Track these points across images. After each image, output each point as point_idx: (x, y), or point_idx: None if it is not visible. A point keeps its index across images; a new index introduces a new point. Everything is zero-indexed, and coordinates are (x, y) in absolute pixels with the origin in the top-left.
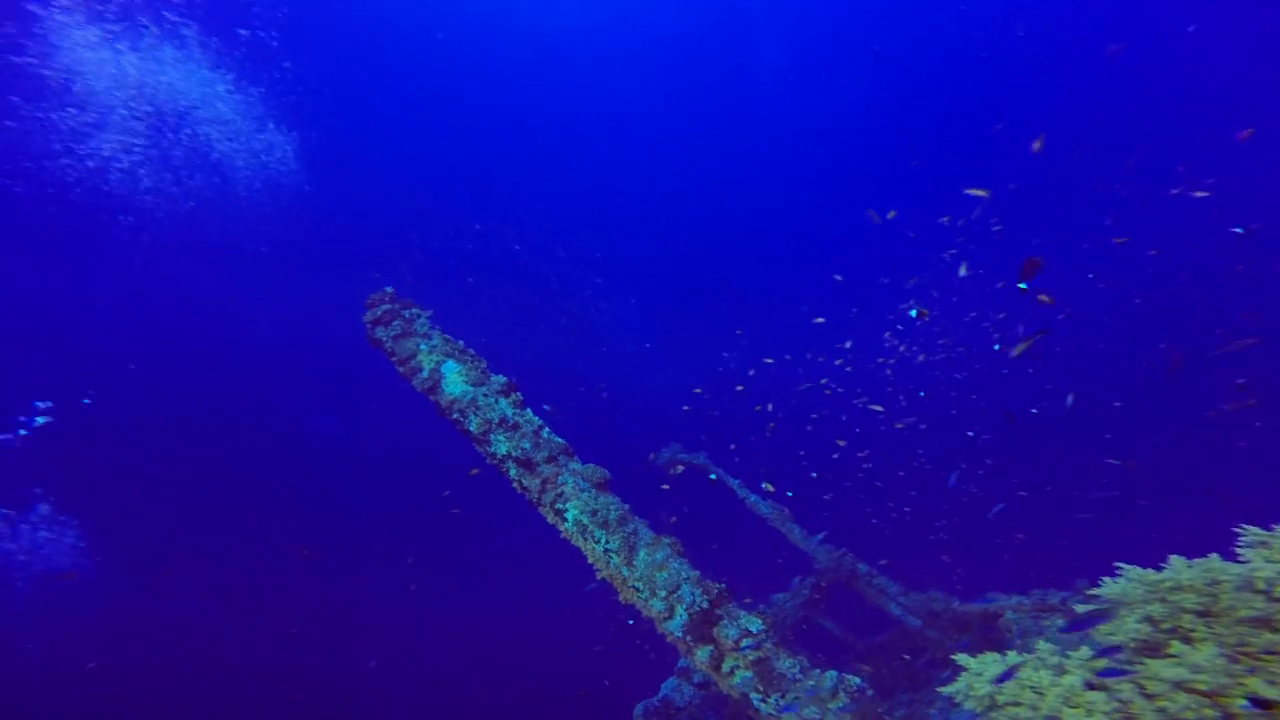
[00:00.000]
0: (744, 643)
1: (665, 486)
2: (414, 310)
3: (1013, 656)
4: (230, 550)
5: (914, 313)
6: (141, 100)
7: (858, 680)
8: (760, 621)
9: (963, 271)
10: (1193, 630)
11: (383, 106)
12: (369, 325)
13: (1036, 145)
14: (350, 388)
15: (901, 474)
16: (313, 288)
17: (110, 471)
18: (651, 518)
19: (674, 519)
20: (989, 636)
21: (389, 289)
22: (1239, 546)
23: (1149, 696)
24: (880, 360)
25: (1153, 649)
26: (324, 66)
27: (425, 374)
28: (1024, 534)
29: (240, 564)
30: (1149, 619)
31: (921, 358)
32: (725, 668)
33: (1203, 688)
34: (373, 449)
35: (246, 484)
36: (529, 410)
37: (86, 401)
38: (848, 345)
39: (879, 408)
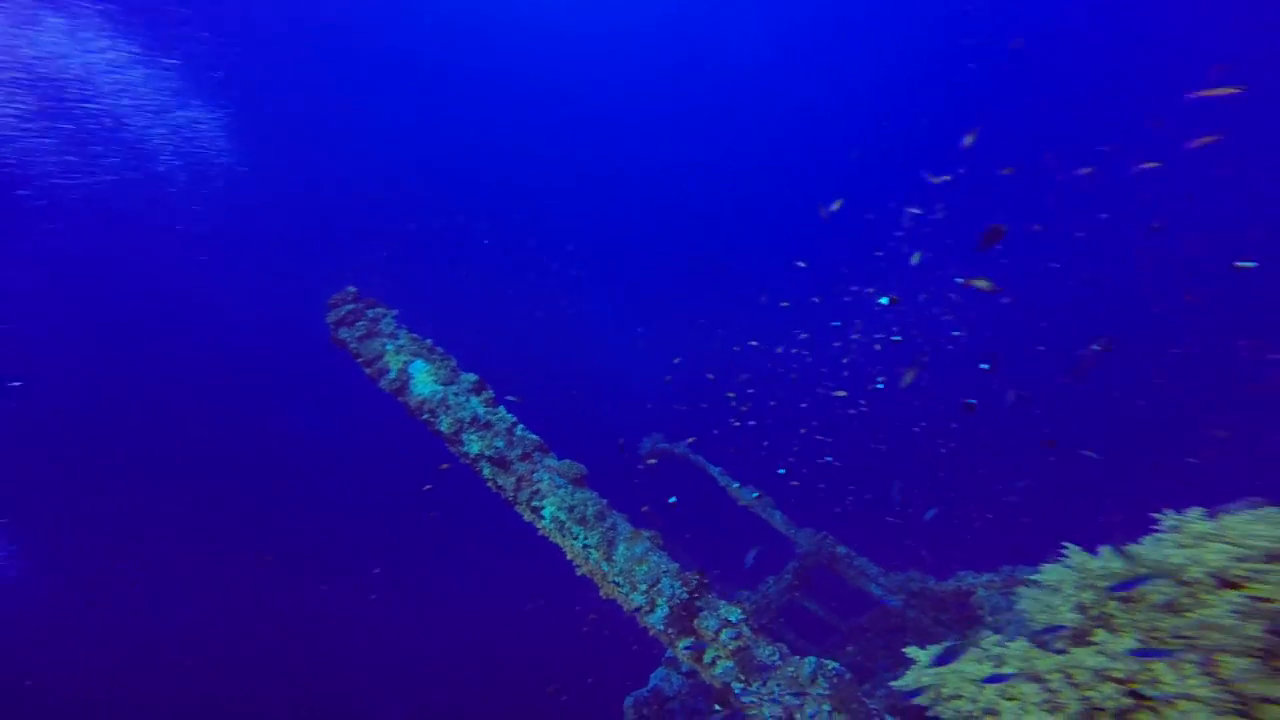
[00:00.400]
0: (724, 633)
1: (635, 480)
2: (379, 309)
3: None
4: (182, 553)
5: (885, 300)
6: (21, 69)
7: (835, 664)
8: (739, 610)
9: (915, 259)
10: (1114, 617)
11: (338, 91)
12: (332, 326)
13: (968, 140)
14: (301, 376)
15: (860, 458)
16: (261, 273)
17: (41, 470)
18: (628, 505)
19: (645, 508)
20: (964, 614)
21: (351, 288)
22: (1158, 531)
23: (1075, 685)
24: (838, 344)
25: (1081, 636)
26: (259, 43)
27: (393, 374)
28: (991, 514)
29: (195, 568)
30: (1080, 607)
31: (878, 347)
32: (707, 658)
33: (1119, 675)
34: (340, 441)
35: (200, 483)
36: (501, 408)
37: (16, 384)
38: (803, 337)
39: (842, 393)
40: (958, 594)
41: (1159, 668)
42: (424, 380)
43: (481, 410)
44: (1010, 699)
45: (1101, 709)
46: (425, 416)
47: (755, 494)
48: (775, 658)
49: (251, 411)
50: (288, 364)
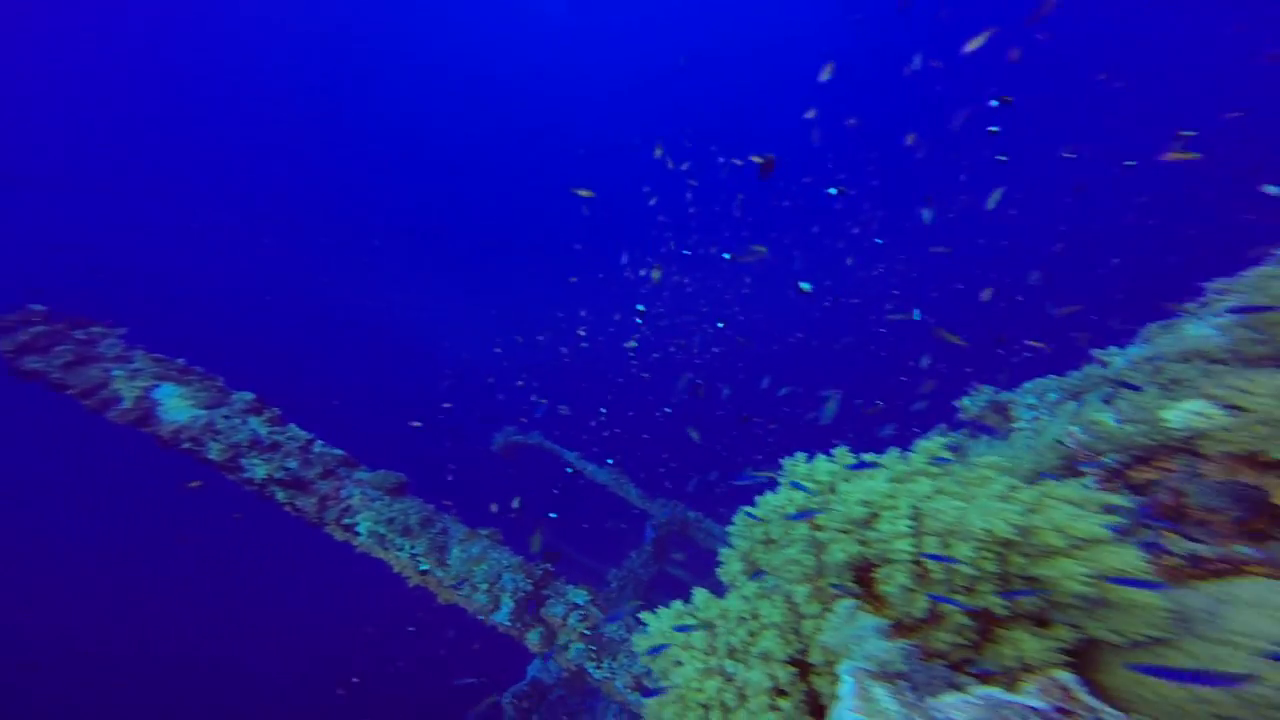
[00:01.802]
0: (571, 617)
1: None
2: (95, 329)
3: (676, 606)
4: None
5: (641, 307)
6: None
7: None
8: (586, 593)
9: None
10: (759, 560)
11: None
12: (10, 355)
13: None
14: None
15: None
16: None
17: None
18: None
19: (449, 503)
20: None
21: (38, 306)
22: (780, 477)
23: (726, 630)
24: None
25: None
26: None
27: (128, 404)
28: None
29: None
30: (743, 556)
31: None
32: (560, 642)
33: (746, 615)
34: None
35: None
36: (292, 425)
37: None
38: (583, 314)
39: (633, 342)
40: None
41: (763, 605)
42: (178, 405)
43: (264, 431)
44: (687, 648)
45: (736, 649)
46: (187, 445)
47: (609, 473)
48: (622, 631)
49: None
50: None
